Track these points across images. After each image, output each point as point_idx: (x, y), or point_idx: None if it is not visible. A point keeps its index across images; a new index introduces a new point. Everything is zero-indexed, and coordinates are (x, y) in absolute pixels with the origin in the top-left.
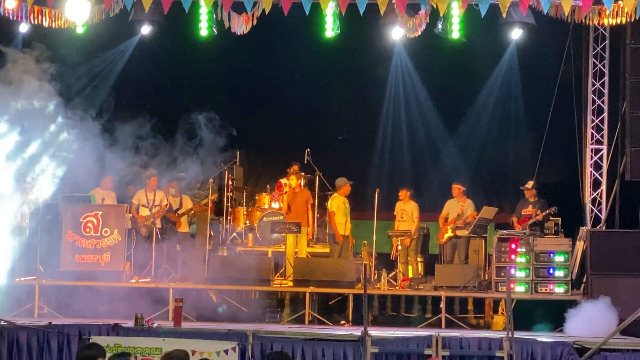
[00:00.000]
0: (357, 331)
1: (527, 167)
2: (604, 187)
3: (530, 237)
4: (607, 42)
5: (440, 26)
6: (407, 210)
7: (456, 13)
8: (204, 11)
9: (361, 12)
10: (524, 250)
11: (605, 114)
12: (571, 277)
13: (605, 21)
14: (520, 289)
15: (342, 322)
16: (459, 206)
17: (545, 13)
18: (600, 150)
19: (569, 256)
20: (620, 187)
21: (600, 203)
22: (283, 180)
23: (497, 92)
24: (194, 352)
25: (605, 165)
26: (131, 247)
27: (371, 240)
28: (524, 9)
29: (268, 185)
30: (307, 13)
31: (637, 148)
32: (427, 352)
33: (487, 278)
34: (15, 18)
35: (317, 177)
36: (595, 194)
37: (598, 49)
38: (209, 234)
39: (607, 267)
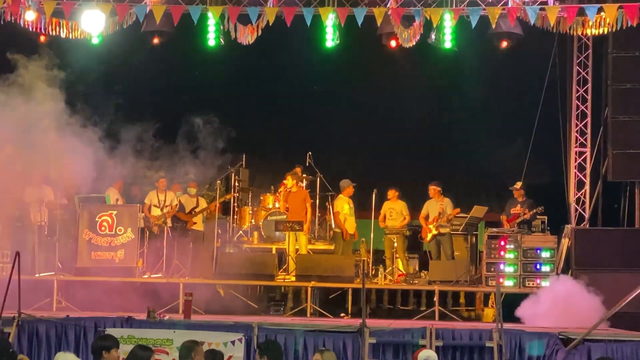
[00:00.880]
0: (355, 323)
1: (516, 168)
2: (587, 187)
3: (519, 234)
4: (590, 51)
5: (433, 36)
6: (395, 209)
7: (448, 24)
8: (211, 22)
9: (359, 23)
10: (512, 247)
11: (589, 119)
12: (557, 272)
13: (589, 31)
14: (509, 283)
15: (342, 314)
16: (438, 205)
17: (532, 24)
18: (583, 152)
19: (554, 252)
20: (602, 187)
21: (584, 202)
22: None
23: (487, 98)
24: (202, 343)
25: (588, 167)
26: (144, 244)
27: (369, 237)
28: (512, 20)
29: (272, 186)
30: (309, 24)
31: (618, 151)
32: (421, 342)
33: (477, 273)
34: (34, 29)
35: (318, 179)
36: (579, 194)
37: (582, 57)
38: (216, 232)
39: (591, 262)
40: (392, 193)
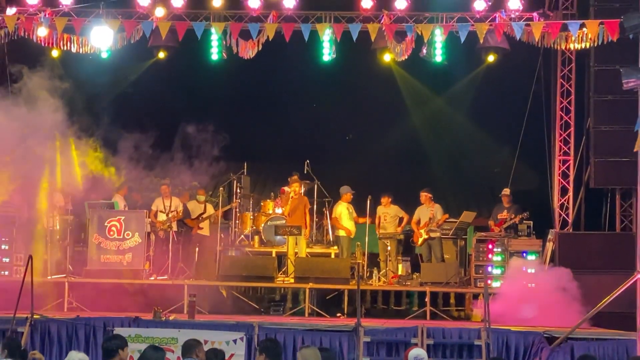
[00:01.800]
0: (351, 323)
1: (503, 176)
2: (570, 193)
3: (505, 238)
4: (573, 64)
5: (424, 50)
6: (389, 213)
7: (439, 39)
8: (214, 38)
9: (354, 38)
10: (499, 250)
11: (572, 129)
12: None
13: (572, 46)
14: (496, 284)
15: (338, 314)
16: (429, 211)
17: (518, 39)
18: (567, 161)
19: (539, 255)
20: (585, 193)
21: (567, 208)
22: (286, 188)
23: (475, 108)
24: (206, 342)
25: (571, 174)
26: (150, 248)
27: (364, 241)
28: (499, 35)
29: (272, 193)
30: (307, 39)
31: (600, 159)
32: (413, 341)
33: (467, 275)
34: (46, 44)
35: (316, 186)
36: (563, 200)
37: (565, 70)
38: (219, 236)
39: (574, 264)
40: (385, 199)
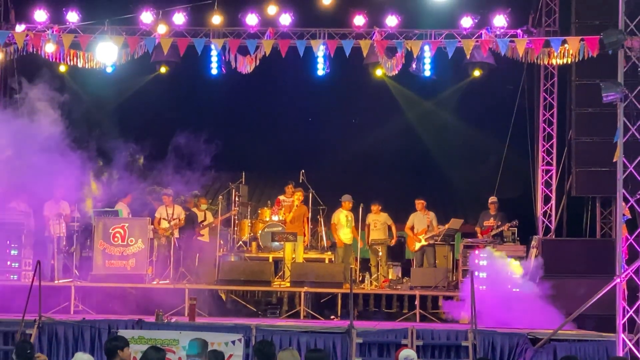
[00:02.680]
0: (344, 325)
1: (488, 185)
2: (553, 202)
3: (491, 244)
4: (555, 78)
5: (414, 65)
6: (380, 220)
7: (428, 55)
8: (214, 53)
9: (347, 54)
10: (485, 255)
11: (554, 140)
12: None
13: (554, 61)
14: (483, 288)
15: (332, 317)
16: (425, 218)
17: (503, 54)
18: (550, 170)
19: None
20: (567, 201)
21: (550, 215)
22: (282, 197)
23: (462, 120)
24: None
25: (554, 183)
26: (153, 254)
27: (356, 247)
28: (485, 51)
29: (269, 201)
30: (302, 55)
31: (581, 169)
32: (403, 342)
33: (454, 279)
34: (54, 60)
35: (311, 194)
36: (546, 208)
37: (548, 84)
38: (219, 243)
39: (556, 270)
40: (375, 207)
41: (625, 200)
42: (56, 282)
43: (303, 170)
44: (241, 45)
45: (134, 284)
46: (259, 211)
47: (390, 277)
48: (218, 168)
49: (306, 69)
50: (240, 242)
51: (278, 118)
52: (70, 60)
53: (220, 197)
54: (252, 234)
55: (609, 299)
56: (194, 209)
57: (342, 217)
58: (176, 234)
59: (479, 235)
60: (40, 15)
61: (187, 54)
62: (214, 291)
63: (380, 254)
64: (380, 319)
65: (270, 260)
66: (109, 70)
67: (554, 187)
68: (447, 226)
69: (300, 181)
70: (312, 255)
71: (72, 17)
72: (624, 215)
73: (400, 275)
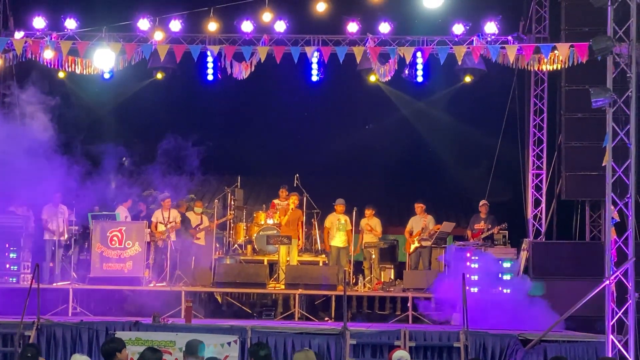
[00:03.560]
0: (338, 326)
1: (480, 189)
2: (543, 205)
3: (482, 247)
4: (545, 84)
5: (406, 71)
6: (371, 224)
7: (420, 61)
8: (210, 60)
9: (340, 60)
10: (477, 258)
11: (544, 145)
12: None
13: (544, 67)
14: (474, 290)
15: (326, 318)
16: (421, 221)
17: (494, 60)
18: (540, 174)
19: (514, 263)
20: (556, 205)
21: (540, 219)
22: (276, 201)
23: (454, 126)
24: None
25: (544, 187)
26: (150, 257)
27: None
28: (476, 57)
29: (264, 205)
30: (296, 61)
31: (570, 173)
32: (396, 343)
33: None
34: (52, 66)
35: (305, 198)
36: (536, 211)
37: (538, 90)
38: (214, 246)
39: (546, 272)
40: (368, 211)
41: (614, 203)
42: (54, 284)
43: (298, 175)
44: (237, 52)
45: (131, 287)
46: (254, 215)
47: (383, 279)
48: (214, 172)
49: (301, 75)
50: (236, 245)
51: (273, 123)
52: (68, 66)
53: (216, 200)
54: (247, 237)
55: (598, 301)
56: (187, 213)
57: (335, 220)
58: (173, 237)
59: (470, 237)
60: (39, 22)
61: (184, 60)
62: (210, 293)
63: (373, 256)
64: (374, 321)
65: (265, 263)
66: (107, 76)
67: (544, 190)
68: (439, 229)
69: (295, 185)
70: (306, 258)
71: (70, 24)
72: (612, 218)
73: (393, 278)
